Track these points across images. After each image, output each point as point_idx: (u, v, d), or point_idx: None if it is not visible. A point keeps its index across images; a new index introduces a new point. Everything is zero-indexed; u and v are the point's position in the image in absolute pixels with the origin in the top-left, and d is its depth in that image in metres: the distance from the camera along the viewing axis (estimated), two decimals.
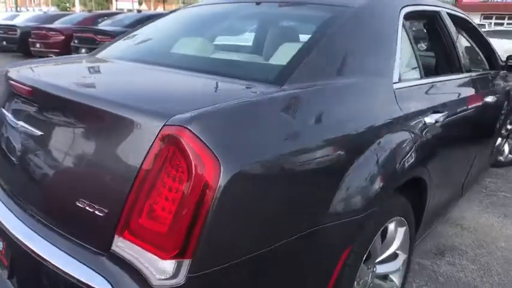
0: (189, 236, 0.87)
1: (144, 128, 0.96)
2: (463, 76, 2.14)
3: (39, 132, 1.23)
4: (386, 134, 1.34)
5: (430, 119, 1.59)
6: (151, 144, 0.93)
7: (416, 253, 2.33)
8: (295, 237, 1.04)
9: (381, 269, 1.59)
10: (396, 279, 1.69)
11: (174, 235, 0.88)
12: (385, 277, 1.68)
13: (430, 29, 2.18)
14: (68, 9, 45.07)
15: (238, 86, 1.23)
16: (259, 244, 0.97)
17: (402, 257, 1.66)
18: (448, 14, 2.23)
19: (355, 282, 1.43)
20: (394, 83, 1.48)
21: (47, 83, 1.28)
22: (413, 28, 2.34)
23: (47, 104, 1.25)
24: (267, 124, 1.04)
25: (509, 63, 2.84)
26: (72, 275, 0.96)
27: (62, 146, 1.19)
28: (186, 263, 0.88)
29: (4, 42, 11.94)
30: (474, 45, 2.83)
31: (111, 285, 0.91)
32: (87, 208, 1.01)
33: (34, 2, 72.70)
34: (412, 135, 1.45)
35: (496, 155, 3.48)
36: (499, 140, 3.62)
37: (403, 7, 1.71)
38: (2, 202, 1.28)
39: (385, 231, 1.48)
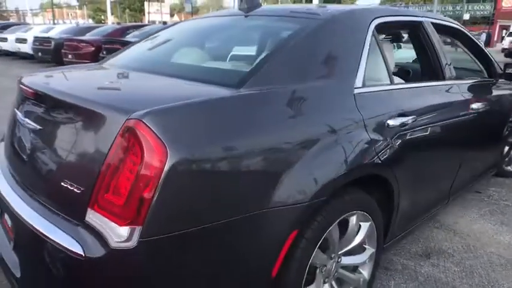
0: (140, 207, 1.04)
1: (113, 122, 1.14)
2: (445, 83, 2.22)
3: (37, 127, 1.45)
4: (340, 132, 1.45)
5: (394, 122, 1.68)
6: (116, 135, 1.11)
7: (402, 254, 2.41)
8: (239, 217, 1.17)
9: (346, 261, 1.69)
10: (365, 271, 1.78)
11: (129, 207, 1.05)
12: (353, 269, 1.78)
13: (412, 38, 2.28)
14: (103, 21, 47.01)
15: (201, 89, 1.40)
16: (201, 220, 1.12)
17: (369, 251, 1.75)
18: (434, 24, 2.31)
19: (318, 270, 1.55)
20: (355, 87, 1.60)
21: (44, 86, 1.49)
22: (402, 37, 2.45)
23: (43, 103, 1.46)
24: (215, 118, 1.20)
25: (507, 72, 2.87)
26: (57, 241, 1.14)
27: (52, 137, 1.40)
28: (138, 229, 1.04)
29: (40, 53, 12.69)
30: (470, 54, 2.89)
31: (82, 248, 1.09)
32: (68, 187, 1.20)
33: (71, 15, 76.15)
34: (370, 135, 1.56)
35: (502, 163, 3.47)
36: (506, 149, 3.63)
37: (375, 19, 1.83)
38: (11, 187, 1.49)
39: (346, 224, 1.58)
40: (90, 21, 65.62)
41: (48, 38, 12.71)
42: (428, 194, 2.20)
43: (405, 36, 2.32)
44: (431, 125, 1.97)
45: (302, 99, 1.43)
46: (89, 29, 13.29)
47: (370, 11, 1.87)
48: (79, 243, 1.10)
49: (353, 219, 1.59)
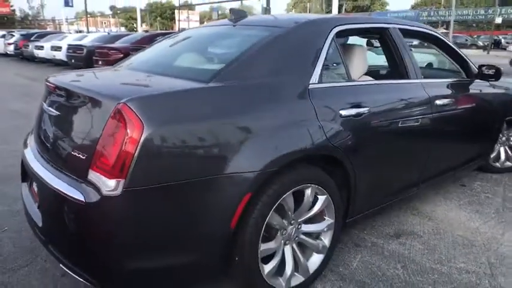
0: (123, 167, 1.43)
1: (108, 106, 1.54)
2: (407, 82, 2.51)
3: (56, 113, 1.89)
4: (292, 118, 1.80)
5: (347, 112, 2.01)
6: (109, 115, 1.51)
7: (374, 234, 2.71)
8: (201, 179, 1.55)
9: (306, 228, 2.02)
10: (325, 239, 2.10)
11: (116, 166, 1.44)
12: (316, 236, 2.10)
13: (380, 42, 2.60)
14: (135, 29, 48.78)
15: (179, 83, 1.80)
16: (170, 178, 1.50)
17: (328, 221, 2.07)
18: (402, 29, 2.62)
19: (279, 232, 1.90)
20: (311, 83, 1.95)
21: (61, 81, 1.93)
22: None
23: (60, 95, 1.89)
24: (183, 104, 1.59)
25: (482, 72, 3.11)
26: (68, 194, 1.55)
27: (65, 120, 1.84)
28: (122, 182, 1.44)
29: (73, 60, 13.55)
30: (447, 57, 3.15)
31: (84, 196, 1.49)
32: (77, 156, 1.62)
33: (104, 23, 79.08)
34: (321, 122, 1.89)
35: (486, 158, 3.68)
36: (497, 146, 3.83)
37: (335, 27, 2.18)
38: (39, 162, 1.92)
39: (301, 195, 1.92)
40: (123, 29, 68.11)
41: (81, 45, 13.57)
42: (392, 179, 2.49)
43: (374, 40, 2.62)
44: (388, 117, 2.28)
45: (259, 91, 1.80)
46: (118, 37, 14.07)
47: (330, 20, 2.22)
48: (82, 194, 1.51)
49: (308, 192, 1.92)
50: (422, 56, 4.46)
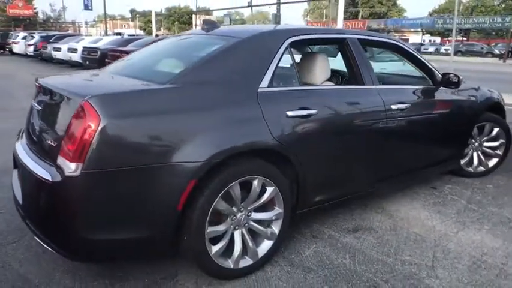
0: (82, 152, 1.71)
1: (76, 102, 1.82)
2: (362, 87, 2.73)
3: (39, 108, 2.18)
4: (238, 116, 2.06)
5: (293, 113, 2.25)
6: (75, 109, 1.79)
7: (334, 228, 2.92)
8: (150, 165, 1.82)
9: (256, 216, 2.26)
10: (275, 227, 2.33)
11: (76, 152, 1.73)
12: (267, 224, 2.33)
13: (340, 51, 2.84)
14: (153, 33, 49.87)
15: (141, 84, 2.08)
16: (122, 164, 1.77)
17: (277, 211, 2.30)
18: (361, 39, 2.85)
19: (229, 218, 2.14)
20: (261, 87, 2.20)
21: (45, 82, 2.23)
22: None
23: (44, 93, 2.19)
24: (137, 101, 1.87)
25: (444, 80, 3.30)
26: (40, 175, 1.86)
27: (45, 114, 2.14)
28: (81, 165, 1.72)
29: (87, 62, 14.09)
30: (412, 65, 3.36)
31: (51, 176, 1.79)
32: (51, 144, 1.92)
33: (124, 26, 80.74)
34: (267, 121, 2.13)
35: (456, 162, 3.85)
36: (470, 151, 4.00)
37: (289, 37, 2.43)
38: (25, 152, 2.21)
39: (249, 185, 2.15)
40: (142, 32, 69.46)
41: (95, 48, 14.11)
42: (341, 177, 2.69)
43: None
44: (338, 119, 2.50)
45: (210, 92, 2.06)
46: (131, 40, 14.56)
47: (285, 32, 2.47)
48: (50, 174, 1.80)
49: (255, 182, 2.16)
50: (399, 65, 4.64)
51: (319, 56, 2.82)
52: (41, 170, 1.87)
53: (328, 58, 2.84)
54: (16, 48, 23.47)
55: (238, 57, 2.25)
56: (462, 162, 3.97)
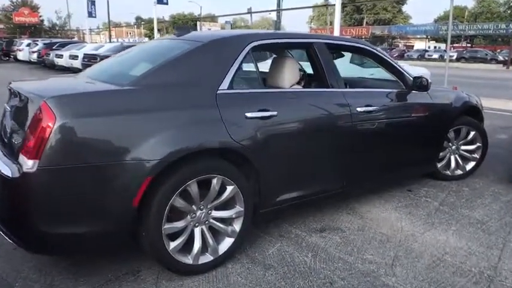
0: (39, 150, 1.81)
1: (37, 103, 1.92)
2: (327, 90, 2.81)
3: (10, 111, 2.29)
4: (196, 117, 2.15)
5: (252, 114, 2.33)
6: (36, 110, 1.89)
7: (301, 228, 2.98)
8: (105, 163, 1.91)
9: (216, 214, 2.34)
10: (236, 225, 2.41)
11: (34, 149, 1.82)
12: (229, 222, 2.41)
13: (307, 55, 2.93)
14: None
15: (103, 86, 2.21)
16: (77, 160, 1.87)
17: (237, 209, 2.38)
18: (329, 44, 2.93)
19: (189, 215, 2.22)
20: (220, 89, 2.29)
21: (15, 86, 2.33)
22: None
23: (14, 96, 2.30)
24: (92, 102, 1.97)
25: (415, 83, 3.37)
26: (3, 172, 1.96)
27: (14, 116, 2.25)
28: (37, 162, 1.82)
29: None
30: (383, 69, 3.43)
31: (11, 172, 1.89)
32: (15, 143, 2.02)
33: (129, 33, 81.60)
34: (225, 122, 2.21)
35: (432, 165, 3.90)
36: (447, 154, 4.05)
37: (251, 42, 2.52)
38: None
39: (208, 184, 2.23)
40: (146, 39, 70.19)
41: (95, 54, 14.33)
42: (306, 178, 2.76)
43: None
44: (300, 120, 2.59)
45: (167, 93, 2.16)
46: (130, 46, 14.71)
47: (247, 36, 2.56)
48: (11, 171, 1.91)
49: (214, 181, 2.24)
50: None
51: (287, 60, 2.91)
52: (4, 167, 1.97)
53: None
54: (20, 55, 23.81)
55: (199, 61, 2.35)
56: (439, 165, 4.02)
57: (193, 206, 2.23)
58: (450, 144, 4.06)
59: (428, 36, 55.13)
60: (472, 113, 4.11)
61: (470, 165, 4.18)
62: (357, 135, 2.94)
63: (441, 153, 3.97)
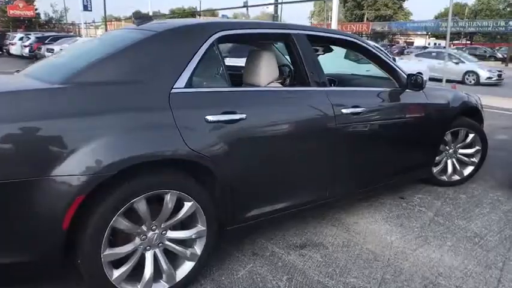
0: None
1: None
2: (307, 89, 2.47)
3: None
4: (139, 121, 1.80)
5: (216, 118, 1.99)
6: None
7: (279, 244, 2.66)
8: (28, 179, 1.58)
9: (172, 235, 2.00)
10: (197, 247, 2.08)
11: None
12: (189, 244, 2.07)
13: (286, 48, 2.58)
14: None
15: (32, 84, 1.88)
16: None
17: (198, 228, 2.04)
18: (311, 35, 2.58)
19: (137, 238, 1.89)
20: (175, 88, 1.95)
21: None
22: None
23: None
24: (10, 103, 1.63)
25: (409, 81, 3.03)
26: None
27: None
28: None
29: None
30: (375, 65, 3.09)
31: None
32: None
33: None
34: (179, 127, 1.87)
35: (427, 171, 3.57)
36: (444, 158, 3.72)
37: (217, 32, 2.16)
38: None
39: (160, 201, 1.90)
40: None
41: None
42: (281, 189, 2.42)
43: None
44: (275, 124, 2.25)
45: (105, 93, 1.81)
46: None
47: (211, 25, 2.20)
48: None
49: (168, 197, 1.90)
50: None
51: (263, 54, 2.57)
52: None
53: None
54: (13, 50, 23.36)
55: (149, 54, 1.99)
56: (435, 170, 3.70)
57: (142, 227, 1.89)
58: (447, 147, 3.73)
59: (429, 33, 54.70)
60: (471, 114, 3.78)
61: (468, 170, 3.86)
62: (342, 140, 2.61)
63: (437, 157, 3.64)
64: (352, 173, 2.81)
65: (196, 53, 2.06)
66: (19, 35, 25.09)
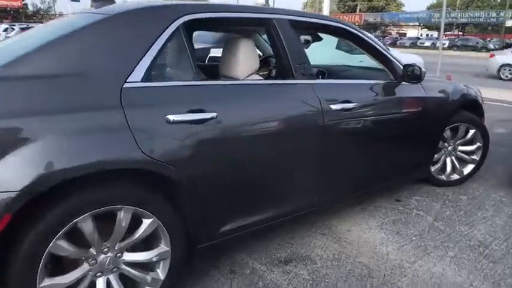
0: None
1: None
2: (290, 82, 2.14)
3: None
4: (80, 124, 1.46)
5: (179, 118, 1.66)
6: None
7: (261, 259, 2.35)
8: None
9: (130, 257, 1.68)
10: (160, 271, 1.76)
11: None
12: (150, 267, 1.76)
13: (267, 35, 2.23)
14: None
15: None
16: None
17: (161, 249, 1.72)
18: (295, 21, 2.25)
19: (85, 263, 1.56)
20: (128, 82, 1.61)
21: None
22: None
23: None
24: None
25: (405, 73, 2.71)
26: None
27: None
28: None
29: None
30: (368, 55, 2.77)
31: None
32: None
33: None
34: (134, 130, 1.54)
35: (425, 170, 3.28)
36: (443, 156, 3.43)
37: (181, 16, 1.81)
38: None
39: (112, 218, 1.57)
40: None
41: None
42: (262, 199, 2.11)
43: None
44: (251, 124, 1.92)
45: (38, 90, 1.46)
46: None
47: (175, 8, 1.84)
48: None
49: (121, 214, 1.57)
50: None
51: (241, 42, 2.23)
52: None
53: None
54: None
55: (97, 41, 1.64)
56: (433, 169, 3.41)
57: (91, 250, 1.56)
58: (446, 144, 3.44)
59: (421, 24, 54.63)
60: (471, 107, 3.48)
61: (468, 169, 3.57)
62: (331, 139, 2.29)
63: (435, 155, 3.35)
64: (343, 176, 2.50)
65: (156, 40, 1.71)
66: (4, 26, 24.42)
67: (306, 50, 2.60)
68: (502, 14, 37.54)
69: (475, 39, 40.64)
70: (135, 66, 1.63)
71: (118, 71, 1.61)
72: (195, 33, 5.40)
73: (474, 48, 37.03)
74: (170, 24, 1.77)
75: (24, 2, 47.83)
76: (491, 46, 37.26)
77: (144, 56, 1.66)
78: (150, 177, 1.64)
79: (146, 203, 1.62)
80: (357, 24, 49.26)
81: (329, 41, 4.28)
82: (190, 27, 1.91)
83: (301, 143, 2.15)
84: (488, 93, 7.56)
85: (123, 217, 1.58)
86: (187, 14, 1.83)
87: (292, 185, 2.22)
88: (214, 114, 1.76)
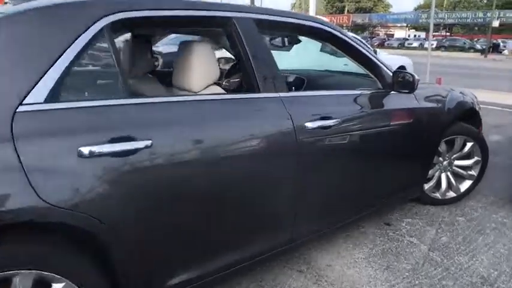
0: None
1: None
2: (254, 96, 1.74)
3: None
4: None
5: (97, 149, 1.24)
6: None
7: None
8: None
9: None
10: None
11: None
12: None
13: (228, 39, 1.82)
14: None
15: None
16: None
17: None
18: (261, 20, 1.84)
19: None
20: (26, 103, 1.19)
21: None
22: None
23: None
24: None
25: (395, 81, 2.33)
26: None
27: None
28: None
29: None
30: (352, 61, 2.38)
31: None
32: None
33: None
34: (29, 171, 1.12)
35: (417, 189, 2.92)
36: (437, 172, 3.07)
37: (105, 16, 1.39)
38: None
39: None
40: None
41: None
42: (220, 242, 1.69)
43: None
44: (197, 152, 1.50)
45: None
46: None
47: (98, 5, 1.40)
48: None
49: (16, 281, 1.16)
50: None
51: (197, 47, 1.82)
52: None
53: None
54: None
55: None
56: (426, 187, 3.04)
57: None
58: (441, 159, 3.07)
59: (408, 25, 54.82)
60: (467, 117, 3.12)
61: (465, 185, 3.20)
62: (307, 163, 1.89)
63: (430, 171, 2.98)
64: (323, 205, 2.10)
65: (69, 47, 1.29)
66: None
67: (288, 53, 2.21)
68: (488, 14, 37.70)
69: (462, 40, 40.86)
70: (37, 82, 1.21)
71: (10, 88, 1.18)
72: (172, 36, 4.96)
73: (462, 49, 37.24)
74: (90, 26, 1.34)
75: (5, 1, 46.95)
76: (478, 46, 37.48)
77: (50, 67, 1.24)
78: (57, 230, 1.23)
79: (55, 264, 1.21)
80: (345, 25, 49.24)
81: (313, 43, 3.92)
82: (120, 29, 1.49)
83: (269, 171, 1.74)
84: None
85: (20, 285, 1.16)
86: (115, 13, 1.41)
87: (261, 221, 1.81)
88: (148, 143, 1.35)
